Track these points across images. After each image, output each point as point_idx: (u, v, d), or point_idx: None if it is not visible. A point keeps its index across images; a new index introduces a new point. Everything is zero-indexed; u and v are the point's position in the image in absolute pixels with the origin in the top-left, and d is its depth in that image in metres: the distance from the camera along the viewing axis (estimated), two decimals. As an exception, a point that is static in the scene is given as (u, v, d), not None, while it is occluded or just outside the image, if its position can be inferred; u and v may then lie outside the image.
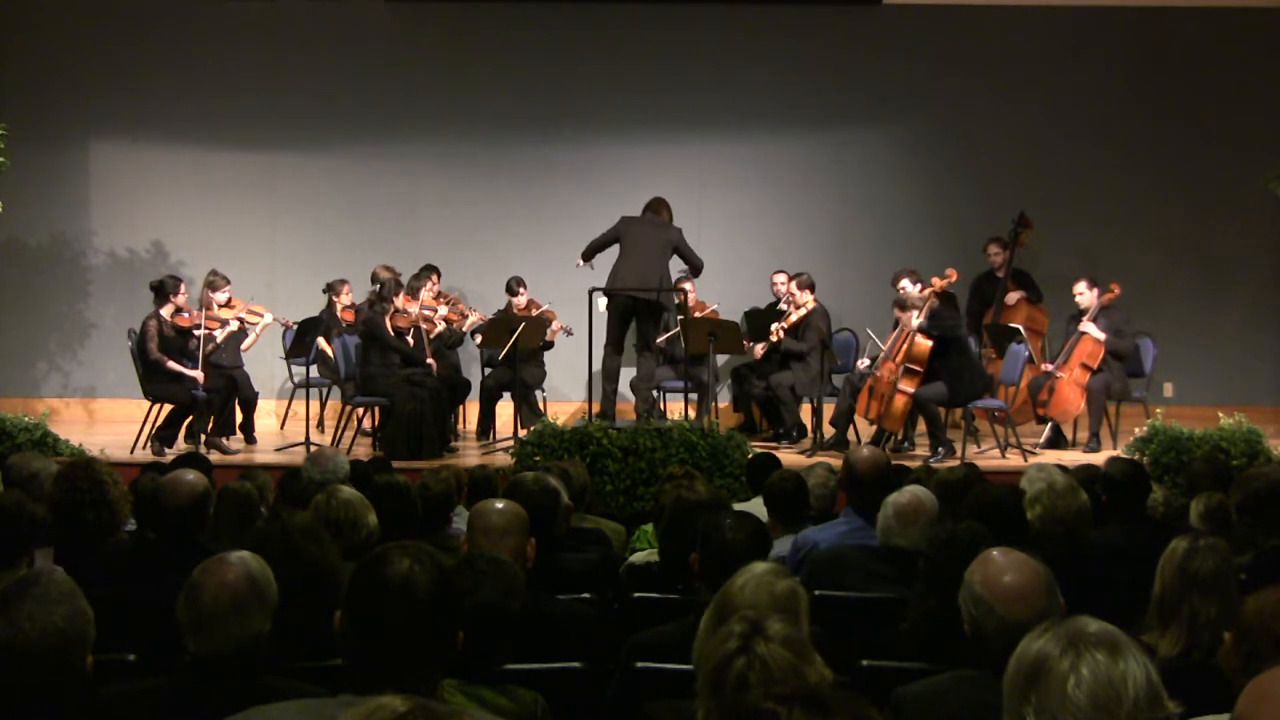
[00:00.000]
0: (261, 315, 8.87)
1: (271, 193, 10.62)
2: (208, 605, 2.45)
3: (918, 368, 8.08)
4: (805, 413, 9.06)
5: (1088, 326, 8.57)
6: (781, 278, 9.59)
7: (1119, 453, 7.21)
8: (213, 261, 9.36)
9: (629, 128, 10.52)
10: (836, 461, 5.48)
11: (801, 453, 8.31)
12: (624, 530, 5.41)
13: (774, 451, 7.24)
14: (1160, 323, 9.58)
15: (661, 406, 9.19)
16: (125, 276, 10.52)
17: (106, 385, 10.49)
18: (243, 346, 8.83)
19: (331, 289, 9.60)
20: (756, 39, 10.48)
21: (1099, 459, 6.53)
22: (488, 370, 9.37)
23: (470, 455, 8.43)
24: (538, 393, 9.41)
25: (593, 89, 10.57)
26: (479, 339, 9.42)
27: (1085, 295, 8.67)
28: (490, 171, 10.57)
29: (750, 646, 2.05)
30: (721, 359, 9.76)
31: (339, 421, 9.19)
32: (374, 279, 9.18)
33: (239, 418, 8.78)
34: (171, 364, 8.23)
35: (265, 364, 9.86)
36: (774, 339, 9.00)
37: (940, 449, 8.05)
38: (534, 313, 9.25)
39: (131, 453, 8.12)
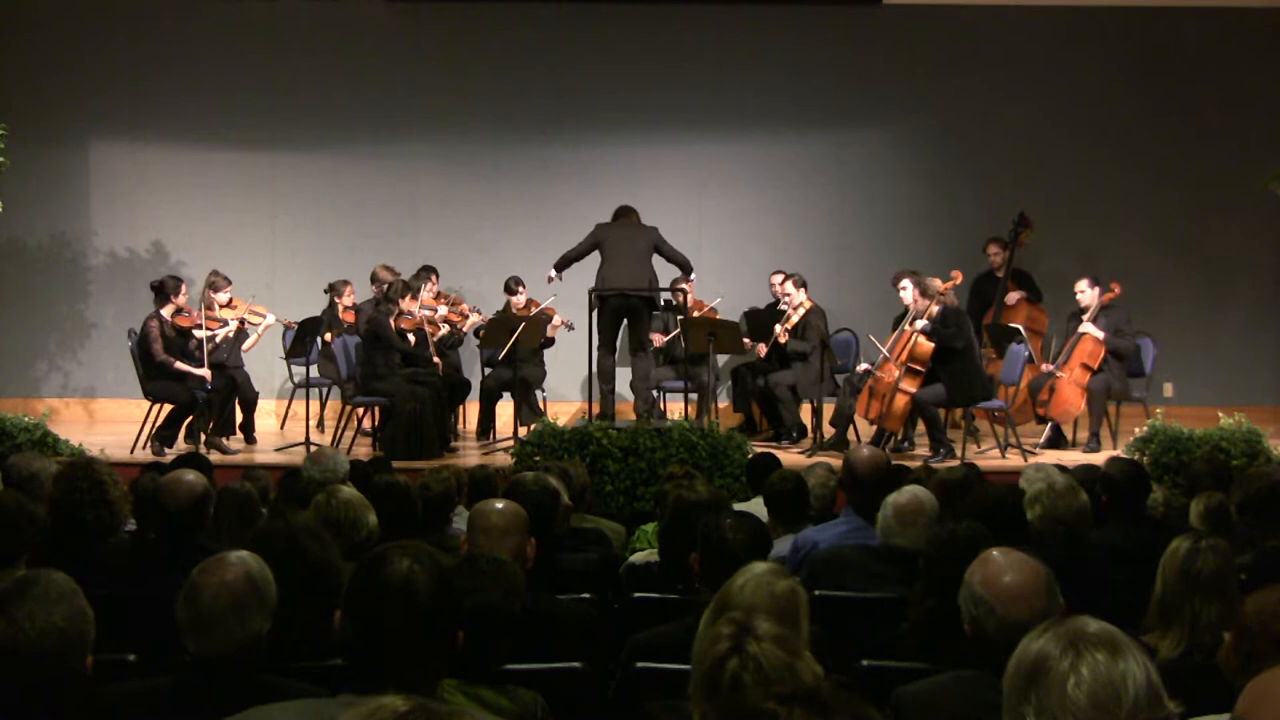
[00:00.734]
0: (264, 316, 8.87)
1: (271, 193, 10.62)
2: (207, 605, 2.45)
3: (920, 367, 8.08)
4: (805, 413, 9.06)
5: (1088, 326, 8.57)
6: (779, 278, 9.59)
7: (1119, 453, 7.21)
8: (213, 261, 9.37)
9: (629, 128, 10.52)
10: (836, 461, 5.47)
11: (801, 453, 8.31)
12: (624, 530, 5.40)
13: (774, 451, 7.24)
14: (1160, 323, 9.57)
15: (661, 406, 9.19)
16: (125, 276, 10.52)
17: (106, 385, 10.49)
18: (244, 347, 8.83)
19: (334, 289, 9.60)
20: (756, 39, 10.48)
21: (1099, 459, 6.52)
22: (488, 370, 9.38)
23: (470, 455, 8.43)
24: (538, 393, 9.41)
25: (593, 89, 10.57)
26: (479, 338, 9.40)
27: (1087, 294, 8.67)
28: (490, 171, 10.57)
29: (742, 646, 2.05)
30: (721, 359, 9.76)
31: (339, 421, 9.19)
32: (374, 279, 9.18)
33: (239, 418, 8.78)
34: (179, 365, 8.23)
35: (265, 364, 9.86)
36: (781, 340, 8.99)
37: (940, 450, 8.04)
38: (533, 311, 9.25)
39: (131, 453, 8.12)
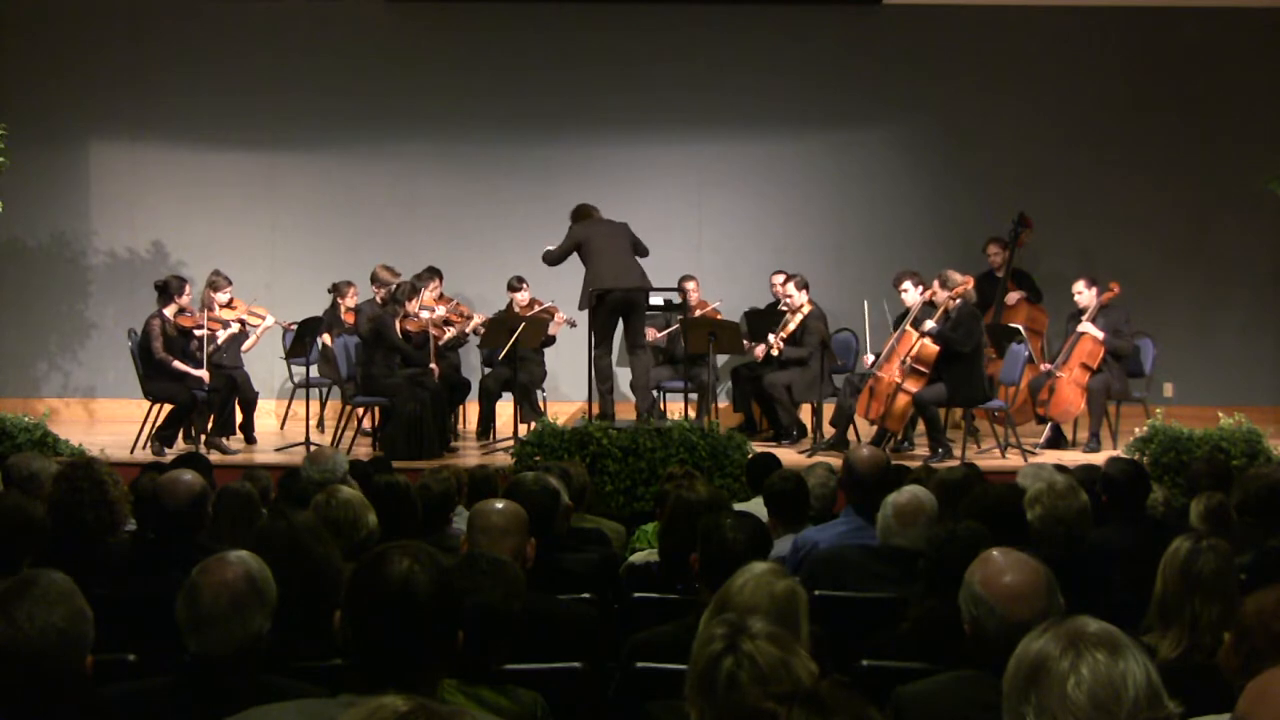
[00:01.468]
0: (263, 317, 8.86)
1: (271, 193, 10.62)
2: (207, 605, 2.45)
3: (923, 369, 8.08)
4: (805, 413, 9.06)
5: (1087, 326, 8.57)
6: (780, 279, 9.58)
7: (1119, 453, 7.20)
8: (213, 262, 9.37)
9: (629, 128, 10.52)
10: (836, 461, 5.47)
11: (801, 453, 8.31)
12: (624, 530, 5.40)
13: (774, 451, 7.24)
14: (1160, 323, 9.57)
15: (661, 406, 9.19)
16: (125, 276, 10.52)
17: (106, 385, 10.49)
18: (243, 348, 8.83)
19: (337, 290, 9.60)
20: (756, 39, 10.48)
21: (1099, 459, 6.52)
22: (488, 370, 9.37)
23: (470, 455, 8.43)
24: (538, 392, 9.41)
25: (593, 89, 10.57)
26: (479, 336, 9.38)
27: (1084, 295, 8.67)
28: (490, 171, 10.57)
29: (737, 645, 2.05)
30: (721, 359, 9.76)
31: (339, 421, 9.19)
32: (374, 279, 9.18)
33: (239, 418, 8.78)
34: (177, 364, 8.23)
35: (265, 364, 9.86)
36: (774, 352, 8.94)
37: (939, 450, 8.04)
38: (534, 310, 9.25)
39: (131, 453, 8.12)
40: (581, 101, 10.57)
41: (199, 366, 8.29)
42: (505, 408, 9.00)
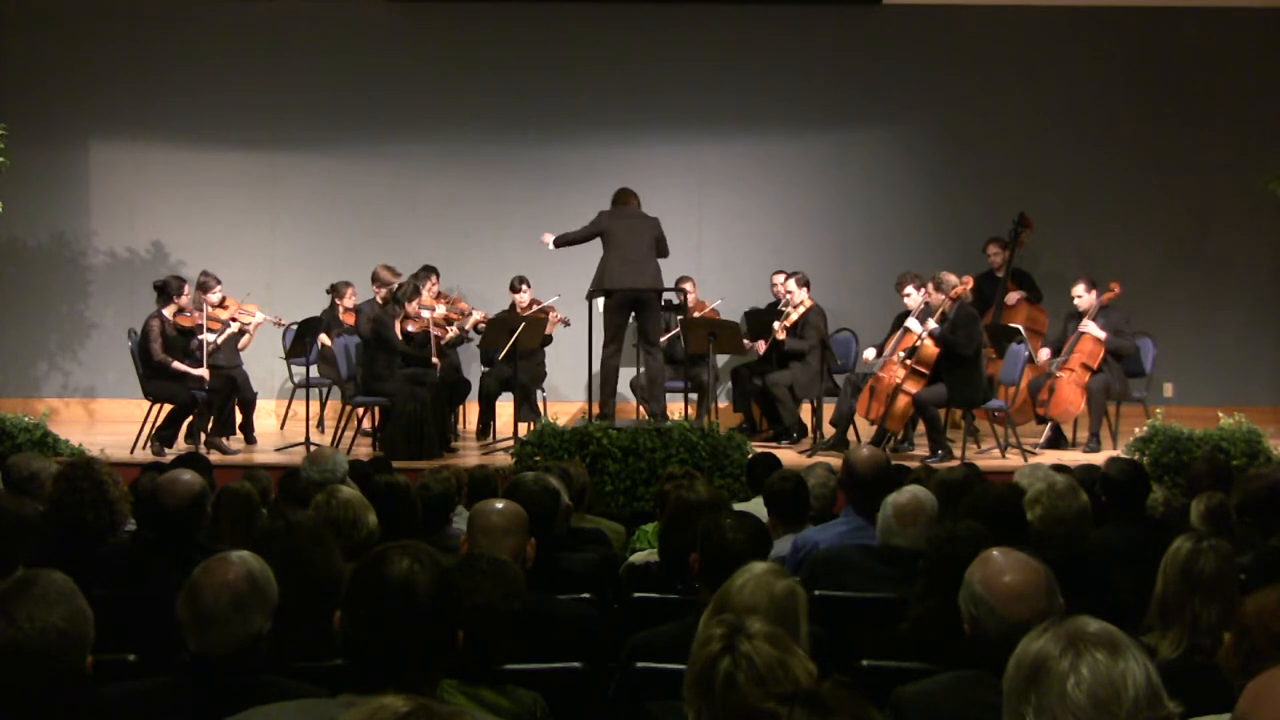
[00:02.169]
0: (252, 314, 8.86)
1: (271, 193, 10.62)
2: (208, 604, 2.45)
3: (924, 370, 8.08)
4: (805, 413, 9.06)
5: (1088, 326, 8.57)
6: (781, 278, 9.59)
7: (1119, 453, 7.21)
8: (213, 261, 9.38)
9: (629, 128, 10.52)
10: (836, 461, 5.47)
11: (801, 453, 8.31)
12: (624, 530, 5.41)
13: (774, 451, 7.24)
14: (1160, 323, 9.57)
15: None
16: (125, 276, 10.52)
17: (106, 385, 10.49)
18: (239, 346, 8.83)
19: (335, 290, 9.60)
20: (756, 39, 10.48)
21: (1099, 459, 6.53)
22: (487, 370, 9.37)
23: (470, 455, 8.43)
24: (538, 393, 9.41)
25: (593, 89, 10.57)
26: (479, 333, 9.38)
27: (1084, 298, 8.66)
28: (490, 171, 10.57)
29: (734, 645, 2.06)
30: (721, 359, 9.76)
31: (339, 421, 9.19)
32: (375, 279, 9.18)
33: (239, 418, 8.78)
34: (177, 364, 8.23)
35: (265, 364, 9.86)
36: (779, 336, 8.98)
37: (939, 450, 8.04)
38: (535, 308, 9.26)
39: (131, 453, 8.13)
40: (581, 101, 10.57)
41: (199, 366, 8.29)
42: (505, 408, 9.00)
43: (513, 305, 9.43)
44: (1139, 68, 10.39)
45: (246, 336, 8.84)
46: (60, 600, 2.27)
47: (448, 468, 5.66)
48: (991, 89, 10.40)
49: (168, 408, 8.29)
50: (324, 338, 9.21)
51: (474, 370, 9.82)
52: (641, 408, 8.79)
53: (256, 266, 10.27)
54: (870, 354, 8.56)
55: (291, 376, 9.70)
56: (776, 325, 9.02)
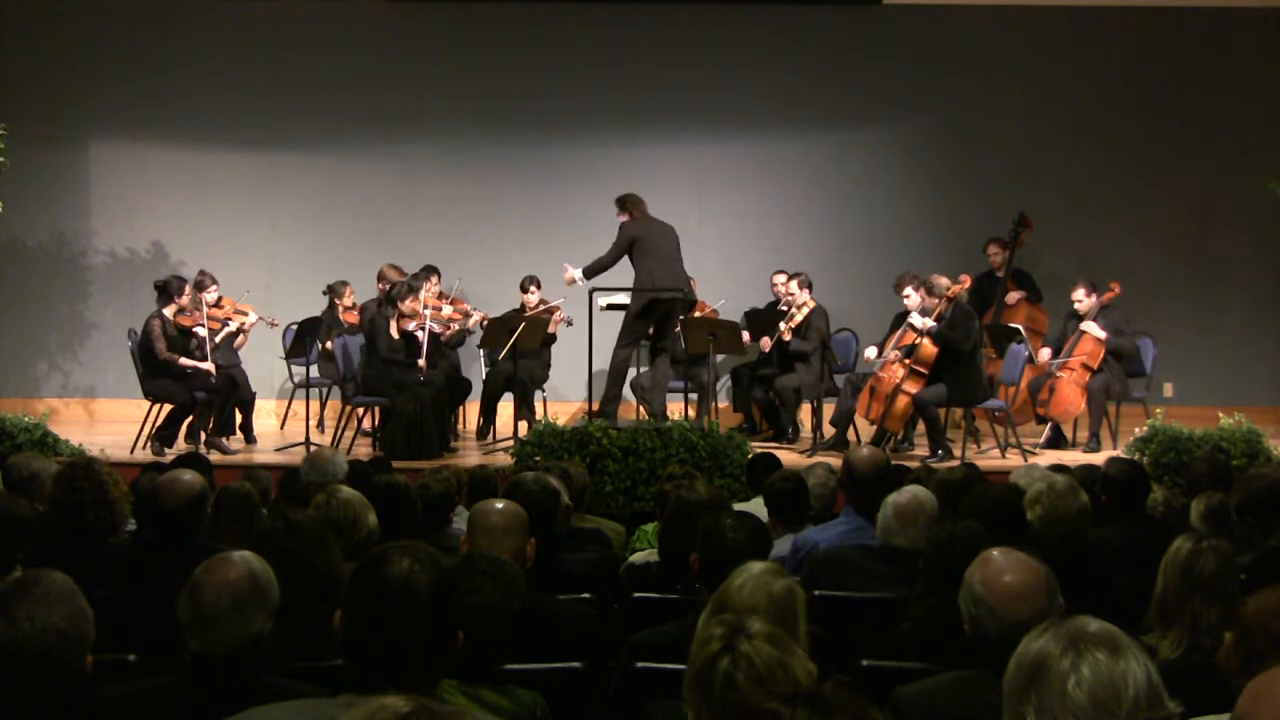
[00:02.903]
0: (247, 314, 8.86)
1: (271, 193, 10.62)
2: (209, 604, 2.45)
3: (924, 369, 8.08)
4: (805, 413, 9.06)
5: (1089, 325, 8.57)
6: (781, 278, 9.59)
7: (1119, 453, 7.21)
8: (213, 262, 9.38)
9: (629, 128, 10.52)
10: (836, 461, 5.47)
11: (801, 453, 8.31)
12: (624, 530, 5.41)
13: (774, 451, 7.25)
14: (1160, 323, 9.57)
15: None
16: (125, 276, 10.52)
17: (106, 385, 10.49)
18: (234, 344, 8.83)
19: (333, 290, 9.60)
20: (756, 39, 10.48)
21: (1099, 459, 6.53)
22: (488, 370, 9.37)
23: (470, 455, 8.44)
24: (538, 393, 9.41)
25: (592, 89, 10.57)
26: (482, 329, 9.36)
27: (1084, 301, 8.66)
28: (490, 171, 10.57)
29: (734, 645, 2.06)
30: (721, 359, 9.76)
31: (339, 421, 9.19)
32: (380, 278, 9.19)
33: (238, 418, 8.78)
34: (184, 361, 8.25)
35: (265, 364, 9.86)
36: (785, 337, 8.99)
37: (939, 450, 8.04)
38: (542, 308, 9.25)
39: (131, 453, 8.13)
40: (581, 101, 10.57)
41: (198, 377, 8.30)
42: (505, 408, 9.00)
43: (522, 305, 9.43)
44: (1139, 68, 10.39)
45: (242, 336, 8.84)
46: (60, 600, 2.27)
47: (448, 468, 5.66)
48: (991, 89, 10.40)
49: (168, 408, 8.29)
50: (324, 345, 9.20)
51: (474, 370, 9.82)
52: (642, 408, 8.79)
53: (256, 266, 10.27)
54: (871, 353, 8.56)
55: (291, 376, 9.69)
56: (782, 326, 9.02)
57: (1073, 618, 1.86)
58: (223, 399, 8.47)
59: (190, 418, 8.43)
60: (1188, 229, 10.39)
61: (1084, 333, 8.58)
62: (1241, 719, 1.84)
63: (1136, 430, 7.74)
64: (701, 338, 8.41)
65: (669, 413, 8.51)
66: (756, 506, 4.79)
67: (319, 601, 2.81)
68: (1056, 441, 8.80)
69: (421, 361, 8.48)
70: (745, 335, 9.05)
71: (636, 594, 3.83)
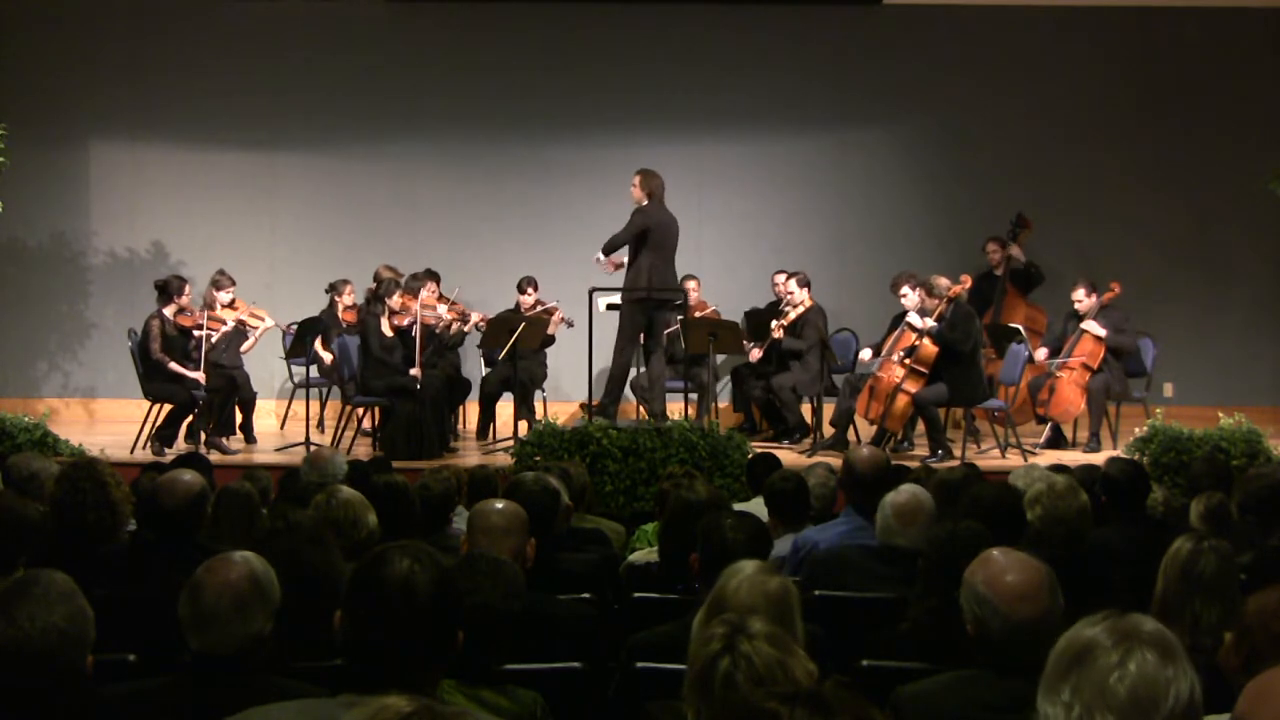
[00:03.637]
0: (263, 319, 8.86)
1: (271, 193, 10.62)
2: (210, 604, 2.44)
3: (923, 369, 8.08)
4: (805, 413, 9.06)
5: (1089, 324, 8.57)
6: (782, 278, 9.59)
7: (1119, 453, 7.21)
8: (213, 262, 9.38)
9: (629, 128, 10.51)
10: (836, 461, 5.47)
11: (801, 453, 8.31)
12: (624, 530, 5.41)
13: (774, 451, 7.25)
14: (1160, 323, 9.57)
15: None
16: (125, 276, 10.52)
17: (106, 385, 10.49)
18: (242, 349, 8.84)
19: (334, 289, 9.60)
20: (757, 39, 10.48)
21: (1099, 459, 6.53)
22: (488, 370, 9.37)
23: (470, 455, 8.43)
24: (538, 393, 9.40)
25: (593, 89, 10.57)
26: (480, 330, 9.36)
27: (1085, 302, 8.66)
28: (490, 171, 10.56)
29: (734, 645, 2.06)
30: (721, 359, 9.76)
31: (339, 421, 9.18)
32: (376, 279, 9.18)
33: (239, 418, 8.78)
34: (173, 365, 8.24)
35: (265, 364, 9.86)
36: (775, 335, 9.00)
37: (939, 450, 8.04)
38: (539, 309, 9.25)
39: (131, 453, 8.12)
40: (581, 101, 10.57)
41: (196, 368, 8.29)
42: (505, 408, 9.00)
43: (517, 306, 9.42)
44: (1139, 68, 10.38)
45: (251, 340, 8.84)
46: (61, 600, 2.27)
47: (448, 468, 5.66)
48: (991, 89, 10.40)
49: (168, 408, 8.29)
50: (321, 346, 9.20)
51: (474, 370, 9.82)
52: (642, 408, 8.80)
53: (256, 266, 10.26)
54: (866, 354, 8.56)
55: (291, 376, 9.69)
56: (775, 324, 9.03)
57: (1130, 614, 1.85)
58: (222, 399, 8.47)
59: (190, 418, 8.43)
60: (1188, 229, 10.38)
61: (1084, 332, 8.58)
62: (1241, 719, 1.84)
63: (1136, 430, 7.75)
64: (701, 338, 8.41)
65: (669, 413, 8.51)
66: (756, 506, 4.78)
67: (319, 601, 2.81)
68: (1056, 441, 8.80)
69: (416, 368, 8.37)
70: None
71: (636, 594, 3.83)
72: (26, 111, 9.96)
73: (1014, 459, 7.96)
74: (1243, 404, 8.82)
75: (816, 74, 10.48)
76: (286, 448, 8.58)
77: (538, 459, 6.87)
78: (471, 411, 9.44)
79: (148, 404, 8.44)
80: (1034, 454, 8.22)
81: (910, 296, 8.35)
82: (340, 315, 9.48)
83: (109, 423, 10.07)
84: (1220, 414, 7.83)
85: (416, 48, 10.61)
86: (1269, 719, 1.79)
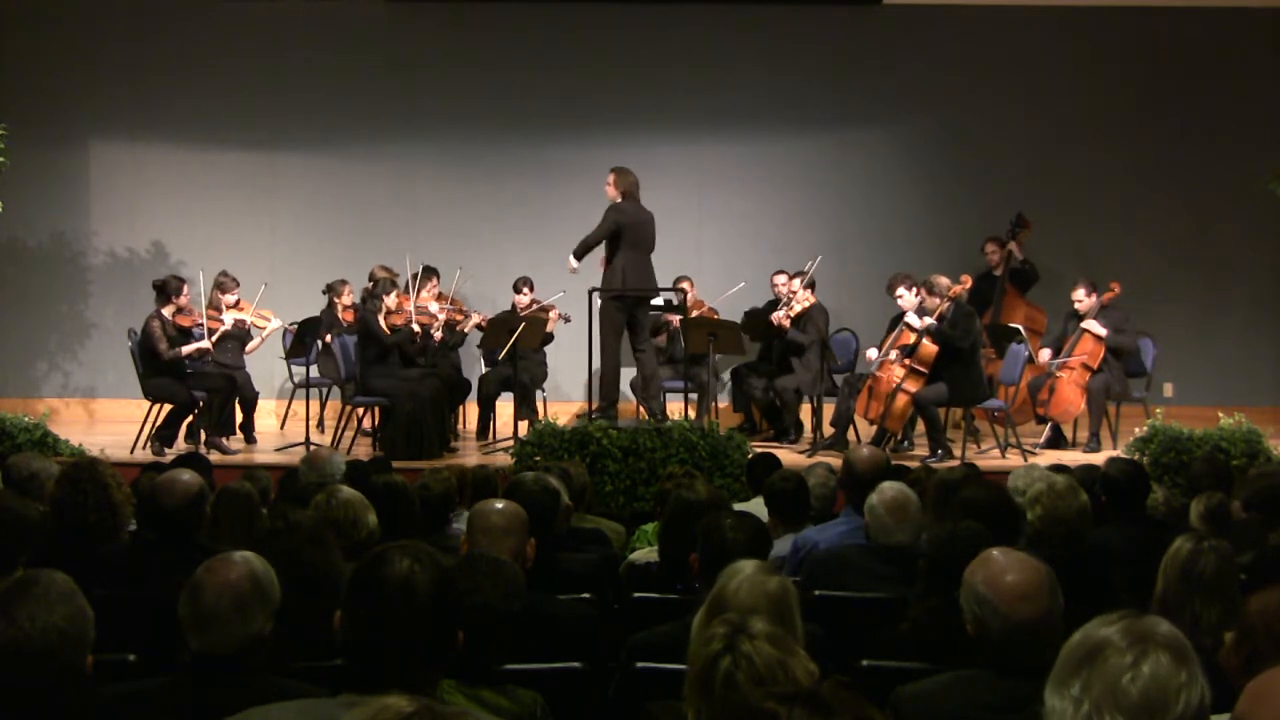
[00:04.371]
0: (269, 320, 8.87)
1: (271, 193, 10.62)
2: (210, 604, 2.44)
3: (923, 369, 8.08)
4: (805, 413, 9.06)
5: (1090, 324, 8.57)
6: (782, 278, 9.58)
7: (1119, 453, 7.21)
8: (213, 261, 9.38)
9: (629, 128, 10.51)
10: (836, 461, 5.47)
11: (801, 453, 8.31)
12: (624, 530, 5.41)
13: (774, 451, 7.24)
14: (1160, 323, 9.57)
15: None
16: (125, 276, 10.52)
17: (106, 385, 10.49)
18: (247, 349, 8.84)
19: (332, 289, 9.59)
20: (757, 39, 10.48)
21: (1099, 459, 6.53)
22: (488, 370, 9.37)
23: (470, 455, 8.43)
24: (538, 393, 9.40)
25: (593, 89, 10.57)
26: (481, 330, 9.37)
27: (1085, 301, 8.66)
28: (490, 171, 10.56)
29: (735, 645, 2.06)
30: (721, 358, 9.76)
31: (339, 421, 9.18)
32: (371, 279, 9.19)
33: (239, 418, 8.78)
34: (185, 349, 8.28)
35: (265, 364, 9.85)
36: (783, 323, 8.98)
37: (939, 450, 8.04)
38: (535, 308, 9.25)
39: (131, 453, 8.13)
40: (581, 101, 10.57)
41: (198, 359, 8.35)
42: (505, 408, 9.00)
43: (514, 306, 9.43)
44: (1139, 68, 10.38)
45: (257, 340, 8.85)
46: (61, 600, 2.27)
47: (448, 468, 5.66)
48: (991, 89, 10.40)
49: (168, 408, 8.29)
50: (324, 339, 9.20)
51: (474, 370, 9.82)
52: (641, 408, 8.79)
53: (256, 266, 10.23)
54: (872, 353, 8.56)
55: (291, 376, 9.69)
56: (780, 313, 9.00)
57: (1146, 616, 1.85)
58: (222, 399, 8.47)
59: (190, 418, 8.43)
60: (1188, 229, 10.38)
61: (1084, 332, 8.58)
62: (1242, 719, 1.84)
63: (1136, 430, 7.75)
64: (701, 338, 8.41)
65: (669, 413, 8.51)
66: (756, 506, 4.79)
67: (319, 601, 2.81)
68: (1056, 441, 8.80)
69: (414, 369, 8.43)
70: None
71: (636, 594, 3.83)
72: (26, 111, 9.96)
73: (1014, 459, 7.96)
74: (1243, 404, 8.82)
75: (816, 74, 10.48)
76: (286, 448, 8.58)
77: (538, 459, 6.87)
78: (471, 411, 9.44)
79: (148, 404, 8.44)
80: (1034, 454, 8.22)
81: (906, 297, 8.35)
82: (340, 315, 9.48)
83: (109, 423, 10.07)
84: (1220, 414, 7.83)
85: (416, 47, 10.61)
86: (1269, 719, 1.78)
